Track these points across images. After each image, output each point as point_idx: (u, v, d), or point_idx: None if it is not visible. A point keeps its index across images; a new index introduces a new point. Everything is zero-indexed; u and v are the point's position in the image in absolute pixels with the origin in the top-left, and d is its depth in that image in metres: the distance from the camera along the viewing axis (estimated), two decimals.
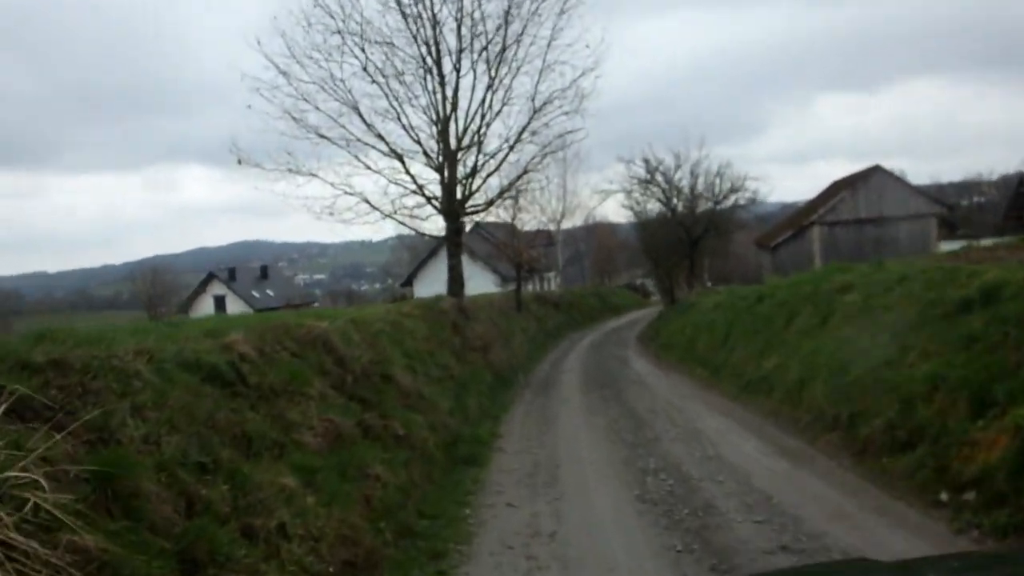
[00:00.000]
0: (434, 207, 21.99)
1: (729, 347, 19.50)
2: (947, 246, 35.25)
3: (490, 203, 23.13)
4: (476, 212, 23.02)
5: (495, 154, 22.26)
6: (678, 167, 37.51)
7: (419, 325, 18.00)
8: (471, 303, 25.79)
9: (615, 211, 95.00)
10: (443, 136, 21.76)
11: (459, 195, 22.23)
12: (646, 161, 37.71)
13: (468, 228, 48.84)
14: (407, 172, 21.75)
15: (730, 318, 21.28)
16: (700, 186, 37.38)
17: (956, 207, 55.80)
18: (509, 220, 34.36)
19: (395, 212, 21.46)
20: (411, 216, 22.11)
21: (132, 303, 75.37)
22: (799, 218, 43.53)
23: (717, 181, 37.29)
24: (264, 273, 76.18)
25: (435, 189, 22.07)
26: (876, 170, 41.54)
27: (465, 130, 21.89)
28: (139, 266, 78.83)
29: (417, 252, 65.98)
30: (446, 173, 21.93)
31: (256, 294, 69.25)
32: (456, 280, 22.53)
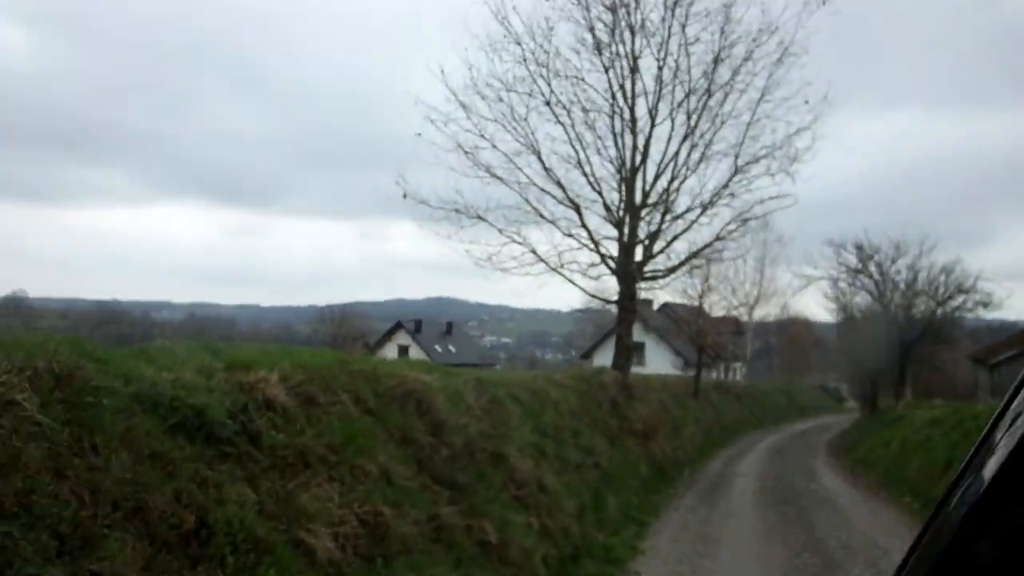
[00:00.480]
0: (608, 267, 18.88)
1: (952, 476, 15.04)
2: None
3: (672, 269, 19.70)
4: (656, 278, 19.68)
5: (684, 214, 18.96)
6: (896, 259, 32.52)
7: (568, 397, 14.85)
8: (640, 381, 22.36)
9: (813, 307, 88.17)
10: (628, 189, 18.71)
11: (638, 257, 19.03)
12: (859, 248, 32.88)
13: (656, 306, 45.51)
14: (583, 225, 18.83)
15: (955, 440, 16.72)
16: (920, 283, 31.98)
17: None
18: (696, 298, 30.75)
19: (562, 266, 18.51)
20: (582, 275, 19.08)
21: (329, 342, 76.13)
22: None
23: (942, 279, 31.77)
24: (449, 329, 75.20)
25: (611, 247, 19.00)
26: None
27: (653, 184, 18.77)
28: (340, 309, 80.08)
29: (601, 325, 63.01)
30: (626, 231, 18.82)
31: (439, 348, 68.03)
32: (623, 351, 19.21)
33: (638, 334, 46.46)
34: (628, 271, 18.70)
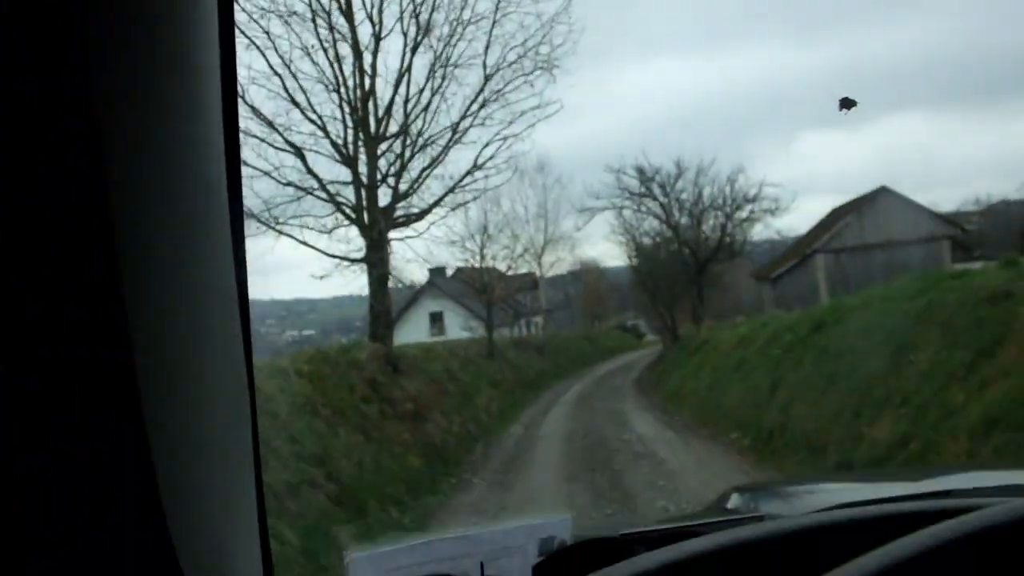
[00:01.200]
0: (345, 215, 14.61)
1: (783, 400, 11.98)
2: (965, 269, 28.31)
3: (427, 210, 15.58)
4: (408, 222, 15.48)
5: (433, 140, 14.97)
6: (679, 176, 29.62)
7: (299, 388, 10.59)
8: (418, 350, 18.40)
9: (604, 251, 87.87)
10: (358, 119, 14.47)
11: (384, 201, 14.90)
12: (640, 170, 29.62)
13: (449, 272, 41.90)
14: (309, 171, 14.42)
15: (774, 357, 13.75)
16: (706, 198, 29.38)
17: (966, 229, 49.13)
18: (476, 251, 27.14)
19: (278, 222, 14.06)
20: (321, 232, 14.72)
21: None
22: (801, 247, 36.98)
23: (727, 190, 29.36)
24: None
25: (349, 194, 14.74)
26: (882, 192, 35.39)
27: (388, 110, 14.62)
28: None
29: (398, 301, 58.84)
30: (364, 170, 14.60)
31: None
32: (379, 318, 14.99)
33: (437, 303, 42.83)
34: (373, 218, 14.49)
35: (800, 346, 12.86)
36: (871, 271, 33.13)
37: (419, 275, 34.20)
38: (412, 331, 37.31)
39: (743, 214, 29.34)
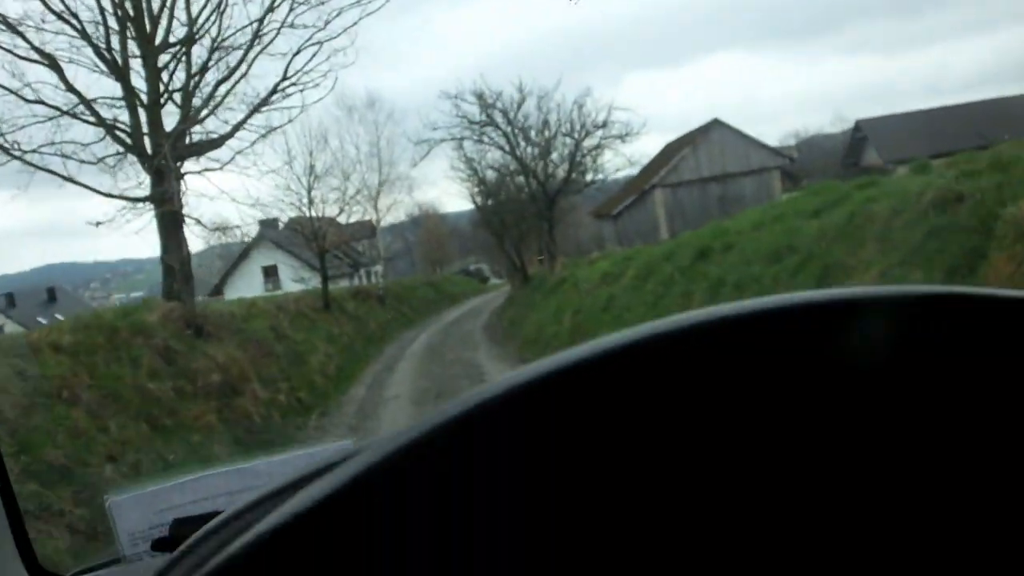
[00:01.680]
0: (117, 139, 11.24)
1: None
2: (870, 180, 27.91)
3: (228, 135, 12.26)
4: (203, 150, 12.13)
5: (226, 45, 11.73)
6: (522, 101, 26.56)
7: (51, 367, 7.58)
8: (237, 307, 15.36)
9: (443, 192, 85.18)
10: (126, 18, 11.07)
11: (173, 123, 11.62)
12: (479, 96, 26.43)
13: (280, 223, 38.11)
14: (68, 87, 10.93)
15: (653, 291, 11.67)
16: (553, 124, 26.63)
17: (794, 160, 50.34)
18: (304, 193, 23.98)
19: (24, 151, 10.56)
20: (81, 162, 11.29)
21: None
22: (640, 182, 36.12)
23: (575, 113, 26.74)
24: (52, 296, 61.62)
25: (125, 116, 11.36)
26: (715, 124, 35.37)
27: (165, 5, 11.28)
28: None
29: (229, 257, 54.11)
30: (145, 85, 11.27)
31: (43, 320, 54.87)
32: (173, 270, 11.73)
33: (270, 256, 39.17)
34: (156, 144, 11.19)
35: (684, 278, 10.82)
36: (707, 204, 32.72)
37: (239, 221, 30.29)
38: (245, 287, 34.13)
39: (593, 141, 27.09)
